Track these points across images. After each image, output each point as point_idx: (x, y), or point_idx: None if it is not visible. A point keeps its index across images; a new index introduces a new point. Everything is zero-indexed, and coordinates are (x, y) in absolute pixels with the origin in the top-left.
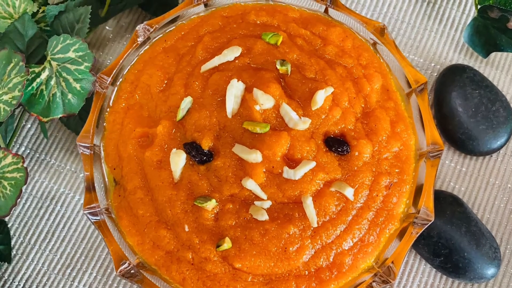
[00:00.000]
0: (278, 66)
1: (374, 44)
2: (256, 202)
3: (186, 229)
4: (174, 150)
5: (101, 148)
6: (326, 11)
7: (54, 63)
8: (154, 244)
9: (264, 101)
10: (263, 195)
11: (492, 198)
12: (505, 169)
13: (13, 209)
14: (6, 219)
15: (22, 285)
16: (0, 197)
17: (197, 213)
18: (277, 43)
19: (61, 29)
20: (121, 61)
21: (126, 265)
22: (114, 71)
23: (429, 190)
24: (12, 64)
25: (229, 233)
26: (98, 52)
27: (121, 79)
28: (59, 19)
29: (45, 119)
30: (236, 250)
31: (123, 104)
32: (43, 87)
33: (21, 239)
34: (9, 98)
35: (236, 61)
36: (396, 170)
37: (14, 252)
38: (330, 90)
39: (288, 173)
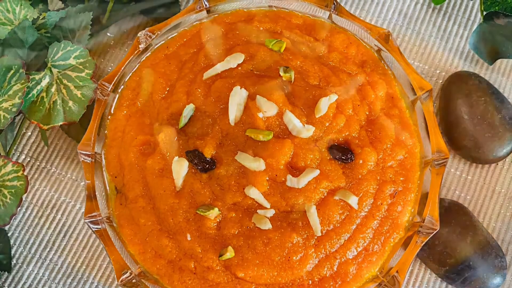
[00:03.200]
0: (282, 73)
1: (379, 50)
2: (259, 211)
3: (188, 238)
4: (176, 158)
5: (102, 156)
6: (330, 17)
7: (54, 70)
8: (156, 253)
9: (267, 108)
10: (266, 204)
11: (498, 207)
12: (511, 177)
13: (13, 218)
14: (6, 228)
15: None
16: (0, 206)
17: (200, 222)
18: (280, 50)
19: (62, 35)
20: (122, 68)
21: (127, 274)
22: (116, 78)
23: (434, 198)
24: (12, 71)
25: (231, 242)
26: (99, 59)
27: (122, 86)
28: (59, 25)
29: (45, 127)
30: (239, 259)
31: (125, 112)
32: (44, 94)
33: (21, 248)
34: (9, 105)
35: (239, 68)
36: (401, 178)
37: (14, 261)
38: (334, 97)
39: (291, 181)
